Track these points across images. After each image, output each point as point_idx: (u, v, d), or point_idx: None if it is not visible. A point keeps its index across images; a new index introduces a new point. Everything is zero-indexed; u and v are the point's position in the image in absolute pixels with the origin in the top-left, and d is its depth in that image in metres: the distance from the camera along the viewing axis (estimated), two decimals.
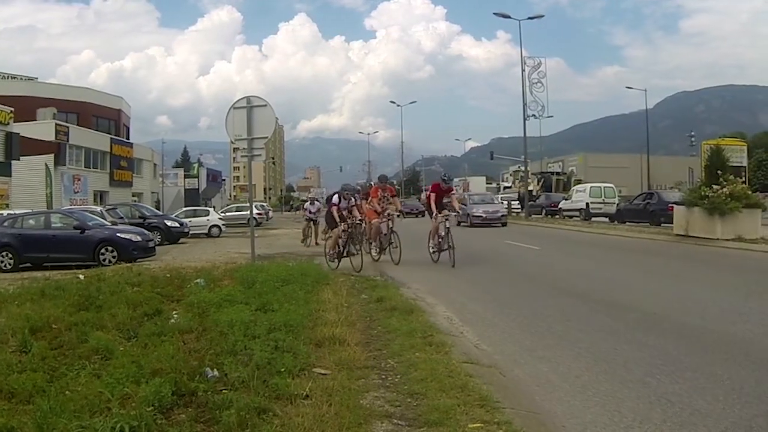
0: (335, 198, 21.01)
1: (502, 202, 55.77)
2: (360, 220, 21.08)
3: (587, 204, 46.28)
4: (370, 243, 23.83)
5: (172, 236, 38.93)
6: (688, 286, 14.37)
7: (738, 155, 40.30)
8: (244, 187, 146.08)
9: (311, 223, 33.60)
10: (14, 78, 75.22)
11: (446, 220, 20.55)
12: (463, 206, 39.10)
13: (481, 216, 43.54)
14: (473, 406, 6.15)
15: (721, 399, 6.48)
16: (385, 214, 22.56)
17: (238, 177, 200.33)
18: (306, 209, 35.28)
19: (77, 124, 64.03)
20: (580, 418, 6.25)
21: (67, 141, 57.27)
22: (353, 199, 21.49)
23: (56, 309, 11.22)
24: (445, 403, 6.16)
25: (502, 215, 44.95)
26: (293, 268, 16.00)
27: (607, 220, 42.81)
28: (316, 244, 31.62)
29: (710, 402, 6.44)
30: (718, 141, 37.17)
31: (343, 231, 20.21)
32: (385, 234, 21.96)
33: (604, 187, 48.85)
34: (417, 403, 6.35)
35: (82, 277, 16.64)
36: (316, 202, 35.41)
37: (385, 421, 5.88)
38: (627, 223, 38.62)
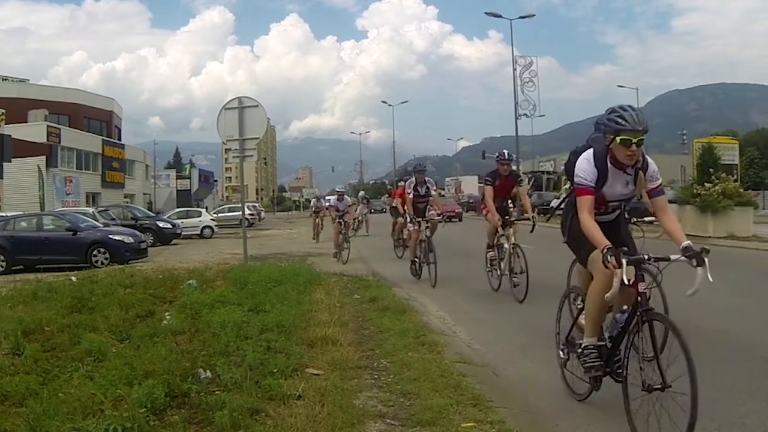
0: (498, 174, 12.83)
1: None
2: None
3: None
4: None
5: (165, 237, 39.03)
6: (680, 285, 14.34)
7: (730, 153, 40.42)
8: (237, 188, 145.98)
9: (341, 224, 23.79)
10: (5, 80, 75.31)
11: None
12: None
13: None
14: (466, 406, 6.16)
15: (713, 396, 6.49)
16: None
17: (230, 178, 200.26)
18: (332, 206, 25.57)
19: (69, 126, 64.10)
20: (573, 417, 6.28)
21: (59, 143, 57.34)
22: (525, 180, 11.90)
23: (49, 311, 11.20)
24: (438, 402, 6.16)
25: None
26: (285, 268, 16.01)
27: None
28: (340, 249, 23.64)
29: (702, 400, 6.45)
30: (710, 139, 37.33)
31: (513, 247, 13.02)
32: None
33: None
34: (410, 402, 6.36)
35: (74, 279, 16.65)
36: (346, 198, 25.80)
37: (378, 421, 5.88)
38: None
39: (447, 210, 40.68)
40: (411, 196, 16.90)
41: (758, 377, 7.09)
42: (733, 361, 7.80)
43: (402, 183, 24.85)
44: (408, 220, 17.23)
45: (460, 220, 50.44)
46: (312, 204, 41.66)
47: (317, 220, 36.32)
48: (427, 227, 16.10)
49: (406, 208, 17.64)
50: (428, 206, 17.28)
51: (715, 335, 9.23)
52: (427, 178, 16.88)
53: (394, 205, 24.66)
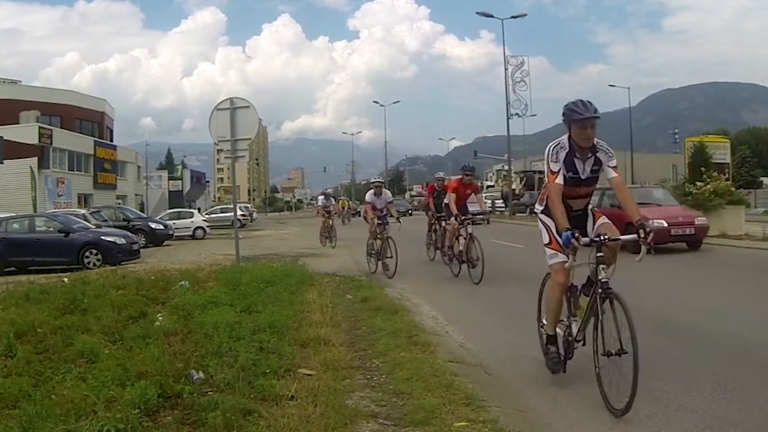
0: None
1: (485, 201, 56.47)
2: None
3: None
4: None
5: (157, 238, 38.87)
6: (672, 283, 14.43)
7: (721, 152, 40.59)
8: (228, 189, 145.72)
9: (380, 225, 18.75)
10: None
11: None
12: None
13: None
14: (459, 405, 6.20)
15: (706, 395, 6.52)
16: None
17: (222, 178, 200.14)
18: (368, 202, 19.73)
19: (61, 127, 63.79)
20: (566, 415, 6.29)
21: (51, 144, 57.15)
22: None
23: (41, 313, 11.18)
24: (431, 402, 6.19)
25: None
26: (277, 269, 16.02)
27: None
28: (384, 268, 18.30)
29: (696, 398, 6.48)
30: (701, 138, 37.47)
31: None
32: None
33: None
34: (402, 402, 6.40)
35: (66, 280, 16.61)
36: (386, 192, 20.02)
37: (371, 420, 5.91)
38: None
39: (671, 219, 20.10)
40: (560, 179, 7.29)
41: (751, 376, 7.11)
42: (725, 359, 7.83)
43: (441, 174, 22.00)
44: (569, 242, 6.84)
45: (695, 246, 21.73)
46: (320, 202, 33.94)
47: (329, 221, 31.55)
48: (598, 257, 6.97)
49: (549, 206, 7.70)
50: (591, 208, 7.90)
51: (708, 334, 9.27)
52: (597, 142, 7.23)
53: (446, 202, 17.20)
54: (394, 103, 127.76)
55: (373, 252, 18.97)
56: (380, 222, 18.69)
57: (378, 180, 20.66)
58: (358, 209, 62.01)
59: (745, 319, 10.13)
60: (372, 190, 19.76)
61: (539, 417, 6.28)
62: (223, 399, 6.03)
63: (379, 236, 18.50)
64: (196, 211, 56.11)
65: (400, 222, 18.80)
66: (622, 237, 7.03)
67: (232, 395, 6.24)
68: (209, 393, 6.42)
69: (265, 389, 6.44)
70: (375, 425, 5.81)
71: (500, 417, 5.91)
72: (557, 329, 7.32)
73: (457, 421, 5.78)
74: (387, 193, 19.91)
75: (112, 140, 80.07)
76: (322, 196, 34.83)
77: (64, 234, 25.08)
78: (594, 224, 7.54)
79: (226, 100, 18.71)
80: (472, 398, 6.38)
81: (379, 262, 18.44)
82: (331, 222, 31.56)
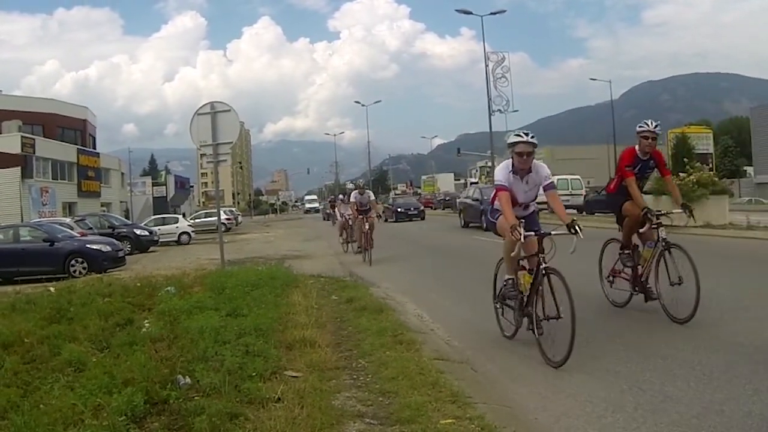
0: None
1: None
2: None
3: None
4: None
5: (142, 245, 38.98)
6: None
7: (704, 142, 40.87)
8: (212, 200, 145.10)
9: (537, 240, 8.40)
10: None
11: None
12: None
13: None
14: (445, 403, 6.20)
15: (692, 384, 6.57)
16: None
17: (206, 183, 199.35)
18: (501, 189, 8.68)
19: (43, 136, 63.47)
20: (552, 410, 6.32)
21: (34, 153, 56.89)
22: None
23: (28, 323, 11.14)
24: (417, 400, 6.20)
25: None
26: (262, 272, 15.97)
27: (575, 211, 42.92)
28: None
29: (681, 388, 6.52)
30: (683, 129, 37.70)
31: None
32: None
33: (571, 179, 49.24)
34: (389, 401, 6.41)
35: (52, 289, 16.54)
36: (542, 167, 9.02)
37: (358, 420, 5.91)
38: (596, 214, 38.85)
39: None
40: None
41: (736, 364, 7.15)
42: (710, 348, 7.87)
43: (653, 124, 10.31)
44: None
45: None
46: (354, 198, 24.45)
47: (365, 224, 22.85)
48: None
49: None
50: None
51: (691, 324, 9.21)
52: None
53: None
54: (376, 102, 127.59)
55: (510, 296, 9.22)
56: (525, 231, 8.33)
57: (525, 137, 8.69)
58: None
59: (730, 309, 10.16)
60: (508, 162, 8.99)
61: (525, 412, 6.30)
62: (209, 403, 6.03)
63: (528, 267, 8.73)
64: (180, 217, 56.20)
65: (577, 233, 8.28)
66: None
67: (219, 399, 6.23)
68: (196, 398, 6.41)
69: (252, 392, 6.43)
70: (362, 425, 5.82)
71: (487, 413, 5.94)
72: None
73: (444, 418, 5.79)
74: (543, 168, 9.10)
75: (94, 148, 79.83)
76: (355, 191, 25.01)
77: (49, 243, 25.03)
78: None
79: (206, 104, 18.70)
80: (458, 395, 6.40)
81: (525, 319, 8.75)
82: (367, 226, 22.65)
